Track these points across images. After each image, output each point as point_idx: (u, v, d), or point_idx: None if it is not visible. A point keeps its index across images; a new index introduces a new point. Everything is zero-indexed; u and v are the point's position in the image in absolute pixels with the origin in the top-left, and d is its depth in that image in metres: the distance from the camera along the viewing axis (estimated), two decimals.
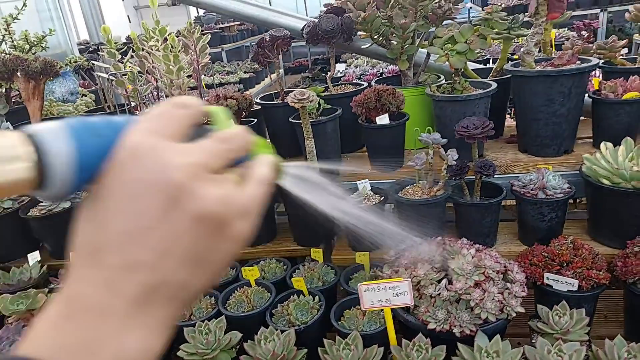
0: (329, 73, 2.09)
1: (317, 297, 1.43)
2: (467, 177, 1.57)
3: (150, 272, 0.32)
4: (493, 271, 1.28)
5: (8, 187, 0.30)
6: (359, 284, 1.20)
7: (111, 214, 0.33)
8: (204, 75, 6.10)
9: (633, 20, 1.74)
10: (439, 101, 1.67)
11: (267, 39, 1.82)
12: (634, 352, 1.11)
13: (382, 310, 1.26)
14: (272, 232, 1.81)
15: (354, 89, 1.98)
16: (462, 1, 1.78)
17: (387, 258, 1.46)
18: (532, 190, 1.51)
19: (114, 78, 1.97)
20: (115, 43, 2.02)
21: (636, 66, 1.73)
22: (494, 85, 1.67)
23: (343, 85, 2.11)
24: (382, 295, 1.20)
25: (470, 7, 10.98)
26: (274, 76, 1.93)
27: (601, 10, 7.74)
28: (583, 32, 1.65)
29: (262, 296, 1.45)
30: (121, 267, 0.32)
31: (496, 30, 1.60)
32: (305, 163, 0.48)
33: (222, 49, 7.06)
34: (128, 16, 7.05)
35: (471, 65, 2.02)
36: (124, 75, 2.04)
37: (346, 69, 5.69)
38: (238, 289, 1.48)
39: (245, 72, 6.28)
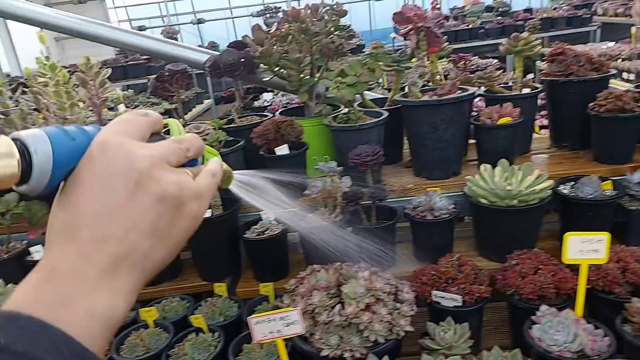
0: (234, 105, 2.11)
1: (216, 333, 1.40)
2: (364, 202, 1.64)
3: (118, 244, 0.38)
4: (384, 293, 1.33)
5: (0, 181, 0.36)
6: (248, 317, 1.20)
7: (84, 198, 0.39)
8: (127, 106, 5.91)
9: (506, 52, 1.93)
10: (335, 130, 1.75)
11: (166, 73, 1.81)
12: None
13: None
14: (176, 268, 1.77)
15: (259, 120, 2.01)
16: (353, 37, 1.89)
17: (287, 287, 1.47)
18: (421, 212, 1.60)
19: (2, 116, 1.87)
20: (8, 77, 1.92)
21: (512, 93, 1.90)
22: (386, 114, 1.77)
23: (249, 117, 2.13)
24: (273, 327, 1.20)
25: (394, 37, 11.63)
26: (203, 106, 1.92)
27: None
28: (459, 65, 1.79)
29: (160, 337, 1.41)
30: (93, 240, 0.38)
31: (382, 63, 1.70)
32: (252, 171, 0.56)
33: (148, 80, 6.92)
34: (41, 50, 6.72)
35: (371, 95, 2.13)
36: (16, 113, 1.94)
37: (273, 98, 5.77)
38: (134, 332, 1.42)
39: (171, 103, 6.16)
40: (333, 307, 1.33)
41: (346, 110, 1.77)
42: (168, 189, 0.41)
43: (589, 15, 8.85)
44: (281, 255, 1.68)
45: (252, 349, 1.34)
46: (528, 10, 9.67)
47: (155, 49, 2.07)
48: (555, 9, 9.92)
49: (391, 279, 1.43)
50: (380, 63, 1.70)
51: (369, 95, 2.08)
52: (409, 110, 1.73)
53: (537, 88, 1.91)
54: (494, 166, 1.63)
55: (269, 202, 0.62)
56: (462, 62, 1.75)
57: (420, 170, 1.82)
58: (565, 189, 1.62)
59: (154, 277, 0.42)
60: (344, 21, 1.81)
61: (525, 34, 1.84)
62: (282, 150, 1.72)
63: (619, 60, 5.08)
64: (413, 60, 1.86)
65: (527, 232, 1.54)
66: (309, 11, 1.81)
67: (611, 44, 6.91)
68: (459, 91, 1.76)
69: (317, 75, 1.91)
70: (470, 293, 1.39)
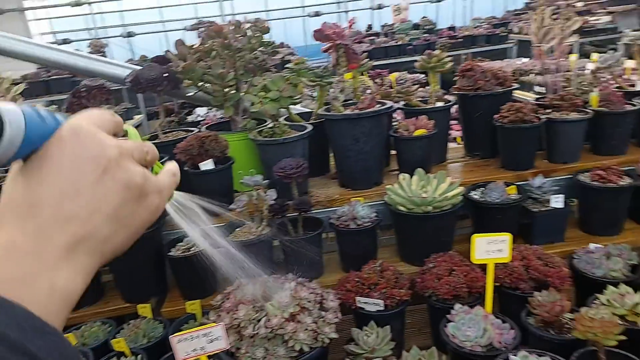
0: (158, 119, 2.08)
1: (139, 356, 1.36)
2: (290, 214, 1.67)
3: (81, 225, 0.39)
4: (308, 302, 1.36)
5: None
6: (170, 337, 1.18)
7: (51, 177, 0.39)
8: None
9: (421, 68, 2.05)
10: (261, 145, 1.77)
11: (82, 89, 1.75)
12: (426, 359, 1.26)
13: None
14: (97, 291, 1.70)
15: (184, 135, 1.99)
16: (277, 54, 1.93)
17: (214, 303, 1.46)
18: (345, 221, 1.65)
19: None
20: None
21: (427, 107, 2.02)
22: (309, 128, 1.82)
23: (175, 132, 2.10)
24: (197, 344, 1.19)
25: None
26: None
27: None
28: (377, 80, 1.89)
29: None
30: (56, 219, 0.38)
31: (306, 79, 1.76)
32: (189, 195, 0.57)
33: None
34: None
35: (298, 110, 2.18)
36: None
37: (207, 112, 5.69)
38: None
39: None
40: (259, 320, 1.34)
41: (272, 124, 1.80)
42: (134, 178, 0.42)
43: (505, 34, 9.58)
44: (208, 272, 1.66)
45: None
46: (451, 28, 10.26)
47: (70, 64, 1.99)
48: (476, 27, 10.64)
49: (317, 288, 1.46)
50: (303, 79, 1.75)
51: (295, 109, 2.13)
52: (332, 124, 1.79)
53: (449, 102, 2.05)
54: (412, 175, 1.73)
55: (199, 227, 0.62)
56: (381, 79, 1.85)
57: (345, 181, 1.88)
58: (475, 195, 1.74)
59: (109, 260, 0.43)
60: (274, 36, 1.85)
61: (437, 52, 1.97)
62: (207, 165, 1.71)
63: (532, 75, 5.56)
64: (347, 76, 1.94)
65: (442, 236, 1.63)
66: (231, 27, 1.83)
67: (525, 59, 7.54)
68: (378, 105, 1.85)
69: (244, 90, 1.93)
70: (391, 297, 1.45)
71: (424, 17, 11.44)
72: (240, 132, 1.91)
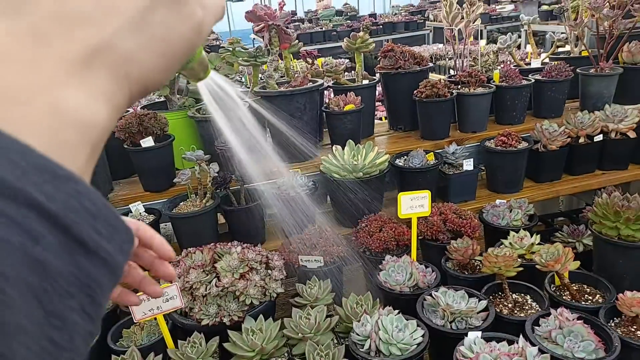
0: None
1: None
2: (234, 187, 1.77)
3: (93, 28, 0.27)
4: (256, 262, 1.48)
5: None
6: None
7: None
8: None
9: (347, 49, 2.21)
10: (200, 121, 1.84)
11: None
12: (361, 303, 1.43)
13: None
14: None
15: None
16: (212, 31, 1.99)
17: None
18: (285, 190, 1.78)
19: None
20: None
21: (354, 85, 2.19)
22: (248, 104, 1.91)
23: None
24: (153, 304, 1.27)
25: (254, 38, 11.78)
26: None
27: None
28: (308, 59, 2.02)
29: None
30: (57, 17, 0.26)
31: (241, 58, 1.84)
32: (226, 79, 0.49)
33: None
34: None
35: None
36: None
37: None
38: None
39: None
40: (210, 282, 1.43)
41: None
42: None
43: (422, 21, 10.12)
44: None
45: (132, 333, 1.38)
46: (372, 15, 10.64)
47: None
48: (395, 14, 11.10)
49: (262, 251, 1.58)
50: (238, 58, 1.83)
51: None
52: (268, 101, 1.90)
53: (374, 80, 2.23)
54: (344, 147, 1.89)
55: (228, 119, 0.53)
56: (312, 58, 1.98)
57: (284, 154, 2.00)
58: (400, 162, 1.95)
59: (142, 96, 0.31)
60: None
61: (361, 34, 2.14)
62: (147, 142, 1.75)
63: (446, 60, 6.01)
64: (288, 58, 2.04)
65: (373, 199, 1.82)
66: None
67: (440, 45, 8.06)
68: (310, 83, 1.99)
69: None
70: (329, 254, 1.61)
71: (345, 4, 11.74)
72: (178, 111, 1.96)
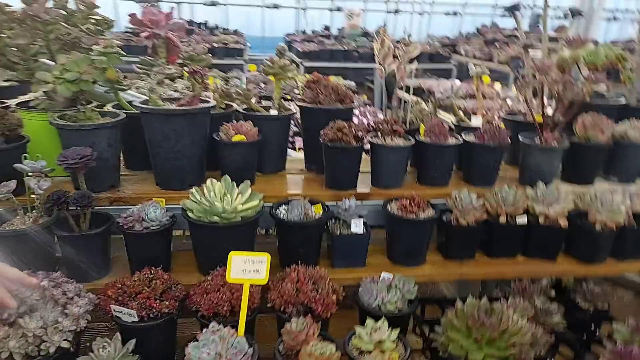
0: None
1: None
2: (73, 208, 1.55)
3: None
4: (36, 300, 1.25)
5: None
6: None
7: None
8: None
9: (265, 74, 1.97)
10: (60, 129, 1.63)
11: None
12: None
13: None
14: None
15: None
16: (104, 32, 1.80)
17: None
18: (130, 222, 1.55)
19: None
20: None
21: (263, 113, 1.94)
22: (121, 117, 1.70)
23: None
24: None
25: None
26: None
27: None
28: (197, 78, 1.79)
29: None
30: None
31: (113, 63, 1.63)
32: None
33: None
34: None
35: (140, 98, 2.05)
36: None
37: None
38: None
39: None
40: None
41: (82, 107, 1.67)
42: None
43: (447, 54, 9.81)
44: None
45: None
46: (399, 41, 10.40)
47: None
48: (428, 43, 10.84)
49: (69, 291, 1.35)
50: (113, 63, 1.62)
51: (134, 97, 2.00)
52: (145, 117, 1.68)
53: (289, 110, 1.99)
54: (234, 180, 1.64)
55: None
56: (200, 77, 1.75)
57: (158, 179, 1.78)
58: (283, 210, 1.68)
59: None
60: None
61: (277, 59, 1.90)
62: None
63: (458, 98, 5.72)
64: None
65: (233, 249, 1.55)
66: None
67: (458, 82, 7.74)
68: (203, 104, 1.76)
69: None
70: (149, 308, 1.36)
71: (380, 27, 11.56)
72: (43, 112, 1.76)
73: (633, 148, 1.83)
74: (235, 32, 10.79)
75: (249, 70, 7.92)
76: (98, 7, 1.78)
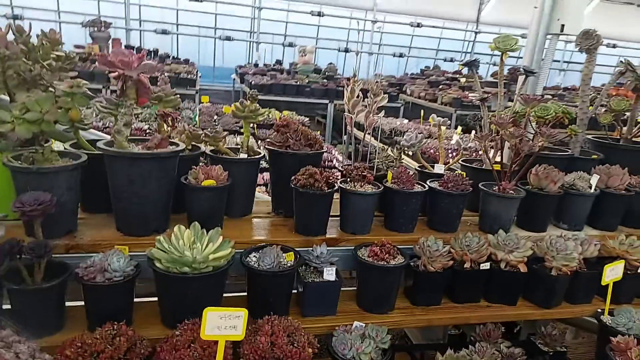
0: None
1: None
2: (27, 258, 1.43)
3: None
4: None
5: None
6: None
7: None
8: None
9: (235, 116, 1.96)
10: (15, 171, 1.52)
11: None
12: None
13: None
14: None
15: None
16: (67, 71, 1.72)
17: None
18: (92, 272, 1.45)
19: None
20: None
21: (231, 157, 1.91)
22: (83, 158, 1.61)
23: None
24: None
25: (234, 78, 11.73)
26: None
27: (329, 102, 9.35)
28: (167, 120, 1.76)
29: None
30: None
31: (78, 104, 1.56)
32: None
33: None
34: None
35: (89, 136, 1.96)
36: None
37: None
38: None
39: None
40: None
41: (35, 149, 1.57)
42: None
43: (396, 93, 10.25)
44: None
45: None
46: (349, 79, 10.73)
47: None
48: (375, 82, 11.20)
49: (23, 351, 1.22)
50: (81, 104, 1.55)
51: (95, 136, 1.91)
52: (109, 160, 1.61)
53: (258, 154, 1.98)
54: (202, 226, 1.58)
55: None
56: (172, 120, 1.72)
57: (119, 224, 1.69)
58: (254, 257, 1.65)
59: None
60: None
61: (248, 102, 1.90)
62: None
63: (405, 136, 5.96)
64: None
65: (200, 300, 1.49)
66: (9, 31, 1.59)
67: (405, 121, 8.07)
68: (172, 146, 1.71)
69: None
70: None
71: (330, 64, 11.89)
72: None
73: (581, 197, 1.98)
74: (187, 62, 10.72)
75: (201, 102, 7.85)
76: (62, 43, 1.71)
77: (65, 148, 1.77)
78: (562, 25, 2.51)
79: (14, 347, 1.24)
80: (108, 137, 2.01)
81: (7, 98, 1.66)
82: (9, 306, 1.45)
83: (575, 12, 2.55)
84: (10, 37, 1.62)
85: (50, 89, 1.65)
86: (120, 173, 1.58)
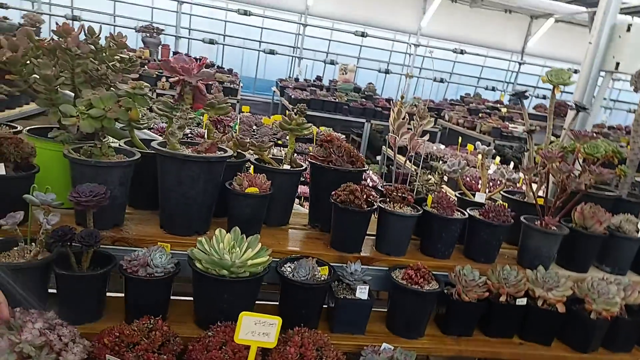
0: None
1: None
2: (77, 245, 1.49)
3: None
4: (34, 349, 1.18)
5: None
6: None
7: None
8: None
9: (281, 128, 2.01)
10: (72, 162, 1.60)
11: None
12: None
13: None
14: None
15: None
16: (130, 72, 1.81)
17: None
18: (134, 266, 1.50)
19: None
20: None
21: (274, 167, 1.96)
22: (137, 156, 1.69)
23: None
24: None
25: (275, 91, 11.95)
26: None
27: (366, 121, 9.40)
28: (219, 127, 1.82)
29: None
30: None
31: (139, 105, 1.64)
32: None
33: None
34: None
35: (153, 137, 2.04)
36: None
37: None
38: None
39: None
40: None
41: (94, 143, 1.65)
42: None
43: (434, 119, 10.19)
44: None
45: None
46: (389, 100, 10.75)
47: None
48: (413, 105, 11.22)
49: (65, 334, 1.28)
50: (137, 104, 1.63)
51: (148, 136, 2.00)
52: (161, 160, 1.67)
53: (301, 166, 2.01)
54: (242, 232, 1.62)
55: None
56: (223, 127, 1.77)
57: (164, 222, 1.74)
58: (288, 268, 1.67)
59: None
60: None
61: (296, 116, 1.95)
62: None
63: (440, 162, 5.92)
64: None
65: (236, 304, 1.52)
66: (81, 32, 1.70)
67: (442, 146, 8.00)
68: (220, 152, 1.77)
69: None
70: None
71: (370, 83, 11.97)
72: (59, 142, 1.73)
73: (627, 241, 1.92)
74: (230, 71, 11.01)
75: (241, 111, 8.04)
76: (127, 46, 1.81)
77: (119, 145, 1.86)
78: (617, 63, 2.46)
79: (57, 329, 1.30)
80: (160, 137, 2.10)
81: (71, 94, 1.77)
82: (54, 290, 1.52)
83: (632, 51, 2.50)
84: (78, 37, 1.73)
85: (113, 88, 1.75)
86: (170, 173, 1.64)
